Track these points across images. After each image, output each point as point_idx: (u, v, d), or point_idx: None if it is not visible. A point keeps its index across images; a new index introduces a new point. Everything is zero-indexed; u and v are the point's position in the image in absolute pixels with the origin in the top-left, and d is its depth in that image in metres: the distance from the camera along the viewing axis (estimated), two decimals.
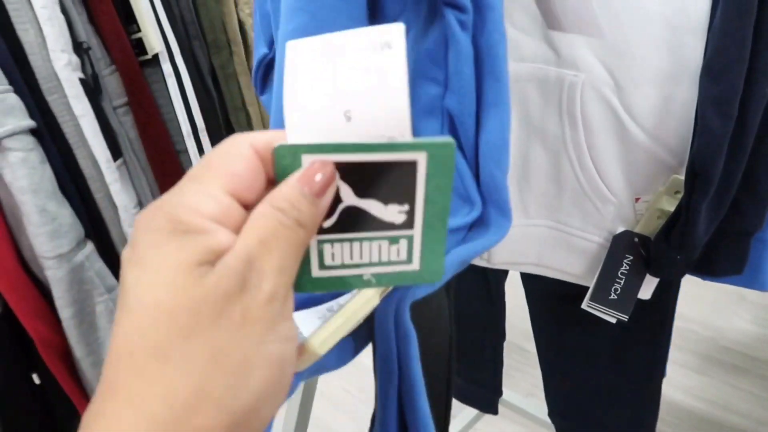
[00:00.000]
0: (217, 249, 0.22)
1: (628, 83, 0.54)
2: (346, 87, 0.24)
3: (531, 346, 0.89)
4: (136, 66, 0.86)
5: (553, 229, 0.64)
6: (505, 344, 1.01)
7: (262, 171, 0.25)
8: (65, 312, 0.72)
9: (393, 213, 0.26)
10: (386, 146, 0.24)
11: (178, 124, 0.91)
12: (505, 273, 0.93)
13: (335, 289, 0.29)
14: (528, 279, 0.85)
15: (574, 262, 0.64)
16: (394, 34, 0.23)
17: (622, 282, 0.59)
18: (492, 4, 0.35)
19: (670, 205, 0.55)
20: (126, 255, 0.23)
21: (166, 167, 0.90)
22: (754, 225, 0.52)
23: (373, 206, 0.26)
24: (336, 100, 0.24)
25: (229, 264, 0.22)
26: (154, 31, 0.88)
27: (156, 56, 0.89)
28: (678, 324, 1.82)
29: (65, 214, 0.72)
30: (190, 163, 0.93)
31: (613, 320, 0.60)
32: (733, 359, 1.69)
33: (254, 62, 0.65)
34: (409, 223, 0.27)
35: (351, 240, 0.27)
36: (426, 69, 0.38)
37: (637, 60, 0.53)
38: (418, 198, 0.26)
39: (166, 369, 0.21)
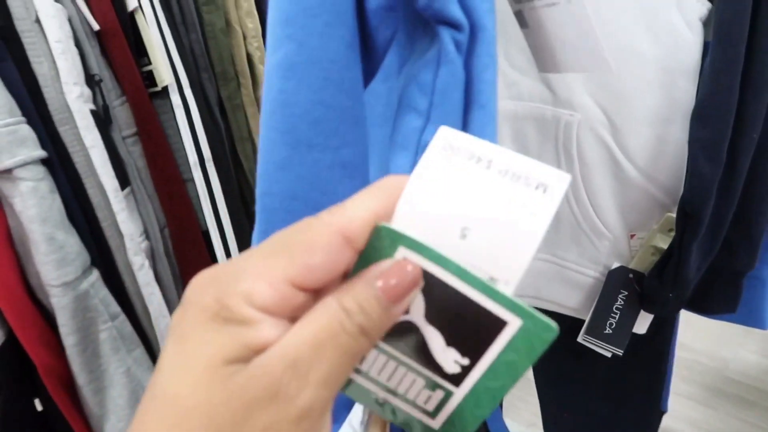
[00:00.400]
0: (255, 345, 0.20)
1: (623, 123, 0.56)
2: (478, 205, 0.21)
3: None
4: (146, 98, 0.88)
5: (550, 262, 0.65)
6: None
7: (345, 261, 0.22)
8: (69, 339, 0.73)
9: (449, 359, 0.23)
10: (487, 288, 0.21)
11: (185, 154, 0.93)
12: None
13: (344, 392, 0.26)
14: None
15: (570, 295, 0.65)
16: (556, 181, 0.21)
17: (617, 317, 0.59)
18: (485, 24, 0.33)
19: (664, 243, 0.56)
20: (176, 317, 0.21)
21: (172, 196, 0.92)
22: (746, 265, 0.53)
23: (434, 338, 0.23)
24: (461, 211, 0.21)
25: (266, 366, 0.19)
26: (164, 64, 0.90)
27: (165, 88, 0.92)
28: (684, 355, 1.81)
29: (72, 242, 0.73)
30: (196, 192, 0.94)
31: (609, 354, 0.60)
32: (740, 391, 1.67)
33: None
34: (457, 380, 0.23)
35: (390, 356, 0.24)
36: (412, 98, 0.36)
37: (631, 100, 0.55)
38: (483, 361, 0.22)
39: None
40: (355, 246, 0.21)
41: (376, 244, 0.22)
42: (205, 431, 0.19)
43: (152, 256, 0.89)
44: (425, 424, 0.25)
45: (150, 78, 0.91)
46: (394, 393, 0.24)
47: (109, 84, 0.86)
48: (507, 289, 0.21)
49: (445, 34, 0.32)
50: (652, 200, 0.57)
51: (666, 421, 0.75)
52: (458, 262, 0.21)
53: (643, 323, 0.60)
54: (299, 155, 0.36)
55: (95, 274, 0.76)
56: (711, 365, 1.77)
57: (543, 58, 0.46)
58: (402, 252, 0.22)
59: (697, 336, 1.82)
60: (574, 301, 0.65)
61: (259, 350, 0.20)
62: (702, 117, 0.48)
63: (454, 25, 0.32)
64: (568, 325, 0.66)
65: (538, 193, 0.21)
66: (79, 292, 0.73)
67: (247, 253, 0.21)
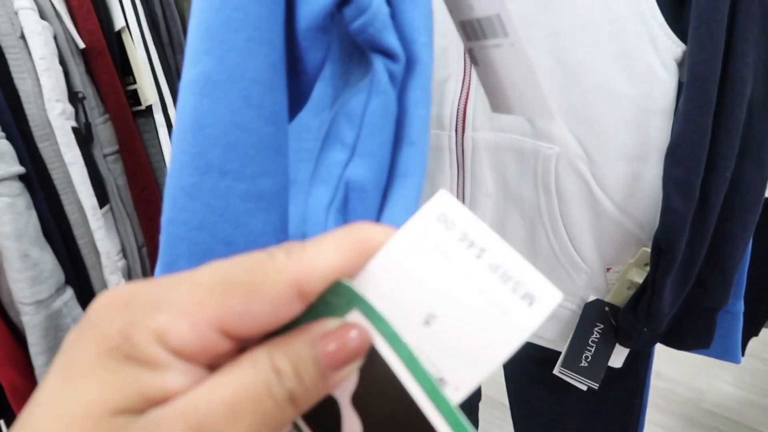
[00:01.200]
0: (154, 394, 0.16)
1: (600, 158, 0.57)
2: (454, 295, 0.19)
3: None
4: (130, 117, 0.88)
5: None
6: (486, 400, 1.01)
7: (290, 315, 0.18)
8: (39, 359, 0.71)
9: None
10: (433, 389, 0.18)
11: (167, 173, 0.93)
12: None
13: None
14: None
15: (548, 327, 0.65)
16: (547, 297, 0.18)
17: (593, 350, 0.59)
18: (421, 57, 0.31)
19: (639, 277, 0.57)
20: (69, 340, 0.17)
21: (152, 215, 0.92)
22: (719, 301, 0.54)
23: (351, 426, 0.20)
24: (433, 296, 0.19)
25: (162, 423, 0.16)
26: (149, 84, 0.90)
27: (149, 107, 0.91)
28: (660, 385, 1.82)
29: (47, 260, 0.72)
30: None
31: (584, 387, 0.61)
32: (715, 422, 1.68)
33: None
34: None
35: (296, 426, 0.20)
36: (339, 129, 0.33)
37: (608, 137, 0.56)
38: None
39: None
40: (307, 301, 0.18)
41: (330, 300, 0.19)
42: None
43: (129, 275, 0.88)
44: None
45: (134, 97, 0.91)
46: None
47: (92, 101, 0.85)
48: (455, 396, 0.19)
49: (379, 63, 0.31)
50: (629, 235, 0.58)
51: None
52: (411, 348, 0.19)
53: (618, 357, 0.60)
54: (210, 182, 0.32)
55: (69, 293, 0.75)
56: (687, 396, 1.78)
57: (494, 98, 0.46)
58: (355, 316, 0.19)
59: (674, 366, 1.83)
60: (550, 332, 0.65)
61: (158, 401, 0.16)
62: (675, 156, 0.49)
63: (389, 55, 0.31)
64: (546, 356, 0.67)
65: (523, 304, 0.18)
66: (51, 311, 0.72)
67: (179, 277, 0.18)
